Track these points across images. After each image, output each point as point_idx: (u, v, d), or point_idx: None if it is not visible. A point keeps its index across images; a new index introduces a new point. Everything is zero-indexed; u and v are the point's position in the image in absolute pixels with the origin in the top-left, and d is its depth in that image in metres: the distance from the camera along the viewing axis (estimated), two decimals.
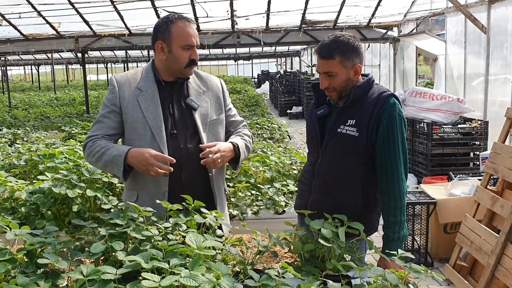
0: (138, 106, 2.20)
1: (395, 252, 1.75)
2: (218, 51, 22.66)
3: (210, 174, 2.26)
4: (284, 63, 31.63)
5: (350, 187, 2.22)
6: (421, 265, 1.66)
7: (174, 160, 2.08)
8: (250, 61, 31.27)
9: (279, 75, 23.88)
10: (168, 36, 2.18)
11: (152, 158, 2.03)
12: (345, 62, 2.14)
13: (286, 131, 7.88)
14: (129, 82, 2.25)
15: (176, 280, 1.30)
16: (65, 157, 3.38)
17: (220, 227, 1.95)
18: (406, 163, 2.18)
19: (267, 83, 24.41)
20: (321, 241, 1.77)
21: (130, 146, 2.13)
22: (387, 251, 2.04)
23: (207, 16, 10.23)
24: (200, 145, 2.18)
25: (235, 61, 29.35)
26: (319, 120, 2.29)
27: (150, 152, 2.05)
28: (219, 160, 2.14)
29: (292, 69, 26.76)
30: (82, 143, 4.75)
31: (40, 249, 1.65)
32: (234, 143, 2.26)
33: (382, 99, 2.15)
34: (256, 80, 30.38)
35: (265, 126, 7.80)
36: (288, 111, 16.16)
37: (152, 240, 1.64)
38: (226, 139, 2.39)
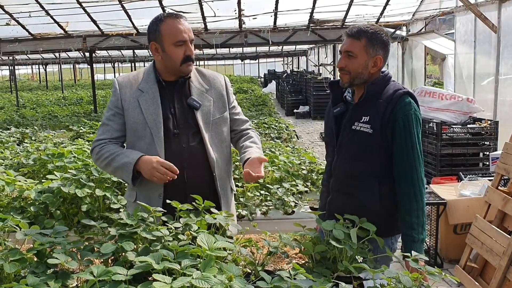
0: (138, 107, 2.20)
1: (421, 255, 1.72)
2: (224, 50, 22.68)
3: (214, 174, 2.25)
4: (291, 63, 31.59)
5: (366, 185, 2.17)
6: (435, 267, 1.63)
7: (178, 171, 2.09)
8: (257, 61, 31.26)
9: (286, 74, 23.85)
10: (159, 36, 2.18)
11: (159, 164, 2.06)
12: (368, 48, 2.10)
13: (294, 130, 7.85)
14: (131, 84, 2.26)
15: (188, 282, 1.28)
16: (74, 157, 3.38)
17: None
18: (423, 163, 2.15)
19: (273, 82, 24.38)
20: (333, 243, 1.75)
21: (141, 153, 2.14)
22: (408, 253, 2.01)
23: (215, 16, 10.23)
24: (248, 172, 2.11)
25: (242, 61, 29.36)
26: (336, 118, 2.26)
27: (158, 159, 2.09)
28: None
29: (299, 69, 26.72)
30: (90, 143, 4.77)
31: (49, 249, 1.64)
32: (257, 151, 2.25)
33: (397, 97, 2.10)
34: (262, 79, 30.36)
35: (273, 126, 7.76)
36: (295, 110, 16.12)
37: (163, 241, 1.63)
38: (232, 138, 2.40)
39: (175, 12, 2.24)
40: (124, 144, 2.32)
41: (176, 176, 2.08)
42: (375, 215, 1.99)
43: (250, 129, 2.45)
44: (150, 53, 2.37)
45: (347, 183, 2.22)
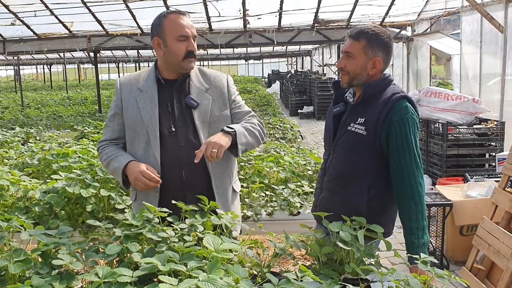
0: (137, 106, 2.22)
1: (421, 258, 1.69)
2: (229, 50, 22.72)
3: (210, 173, 2.22)
4: (295, 63, 31.55)
5: (356, 185, 2.18)
6: (444, 269, 1.61)
7: (160, 181, 2.10)
8: (261, 61, 31.25)
9: (290, 74, 23.81)
10: (162, 31, 2.19)
11: (140, 174, 2.07)
12: (368, 49, 2.12)
13: (298, 131, 7.83)
14: (131, 84, 2.28)
15: (194, 284, 1.27)
16: (79, 157, 3.37)
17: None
18: (421, 166, 2.14)
19: (277, 82, 24.36)
20: (340, 244, 1.73)
21: (129, 159, 2.16)
22: (411, 257, 1.98)
23: (219, 16, 10.22)
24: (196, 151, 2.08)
25: (246, 61, 29.34)
26: (335, 117, 2.28)
27: (140, 168, 2.09)
28: (214, 151, 2.02)
29: (303, 69, 26.69)
30: (95, 143, 4.77)
31: (54, 249, 1.62)
32: (225, 129, 2.16)
33: (393, 100, 2.10)
34: (266, 80, 30.33)
35: (277, 126, 7.74)
36: (299, 111, 16.09)
37: (168, 242, 1.61)
38: None
39: (178, 10, 2.25)
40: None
41: (158, 185, 2.11)
42: (362, 216, 1.97)
43: (251, 117, 2.36)
44: (155, 53, 2.36)
45: (338, 182, 2.23)
